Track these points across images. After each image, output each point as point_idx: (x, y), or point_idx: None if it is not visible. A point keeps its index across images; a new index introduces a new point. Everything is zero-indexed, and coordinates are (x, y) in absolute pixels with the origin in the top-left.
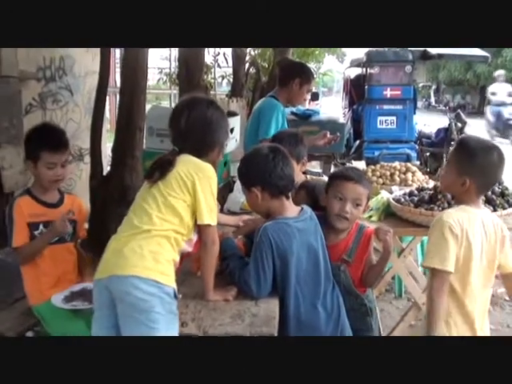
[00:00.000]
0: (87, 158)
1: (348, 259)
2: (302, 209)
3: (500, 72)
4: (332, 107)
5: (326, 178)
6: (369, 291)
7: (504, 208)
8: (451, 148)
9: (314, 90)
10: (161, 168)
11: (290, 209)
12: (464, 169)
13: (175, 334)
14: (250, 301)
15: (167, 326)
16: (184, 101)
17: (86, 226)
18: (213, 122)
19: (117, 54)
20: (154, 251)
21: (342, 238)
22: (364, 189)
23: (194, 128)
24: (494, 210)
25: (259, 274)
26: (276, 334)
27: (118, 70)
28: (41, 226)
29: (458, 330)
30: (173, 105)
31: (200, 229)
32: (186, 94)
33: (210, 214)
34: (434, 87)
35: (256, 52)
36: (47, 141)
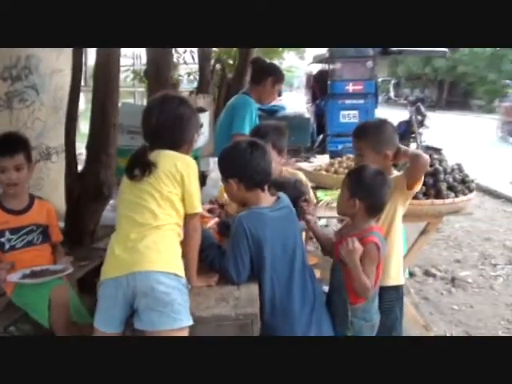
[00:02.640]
0: (54, 157)
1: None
2: (279, 198)
3: None
4: (294, 102)
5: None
6: (370, 307)
7: (465, 194)
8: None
9: None
10: (142, 167)
11: (265, 199)
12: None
13: (191, 322)
14: (232, 286)
15: (187, 315)
16: (156, 98)
17: (62, 224)
18: (184, 119)
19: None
20: (167, 245)
21: (351, 234)
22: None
23: (166, 125)
24: (456, 196)
25: (237, 260)
26: (259, 314)
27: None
28: (7, 233)
29: None
30: (137, 103)
31: (187, 218)
32: (155, 91)
33: (199, 203)
34: (393, 81)
35: (221, 49)
36: None
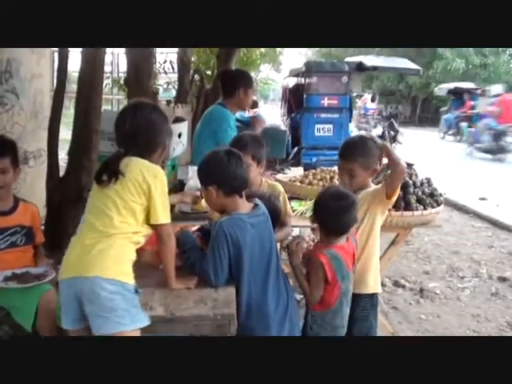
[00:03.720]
0: (32, 162)
1: None
2: (256, 205)
3: None
4: (269, 115)
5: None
6: (331, 318)
7: (433, 207)
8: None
9: (254, 98)
10: (110, 173)
11: (243, 206)
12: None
13: (141, 325)
14: (210, 288)
15: (132, 319)
16: (129, 105)
17: (42, 227)
18: (156, 125)
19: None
20: (117, 253)
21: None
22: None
23: (139, 130)
24: (424, 209)
25: (216, 264)
26: (235, 315)
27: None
28: None
29: None
30: (115, 110)
31: (156, 227)
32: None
33: (165, 214)
34: (368, 95)
35: (200, 60)
36: None
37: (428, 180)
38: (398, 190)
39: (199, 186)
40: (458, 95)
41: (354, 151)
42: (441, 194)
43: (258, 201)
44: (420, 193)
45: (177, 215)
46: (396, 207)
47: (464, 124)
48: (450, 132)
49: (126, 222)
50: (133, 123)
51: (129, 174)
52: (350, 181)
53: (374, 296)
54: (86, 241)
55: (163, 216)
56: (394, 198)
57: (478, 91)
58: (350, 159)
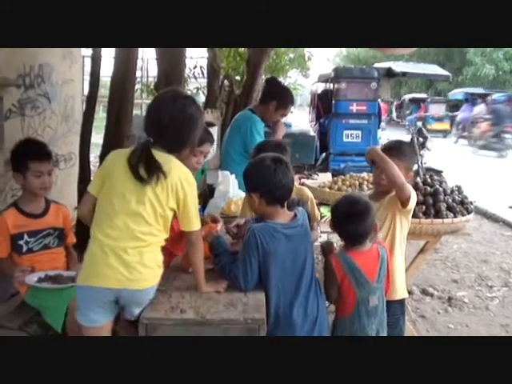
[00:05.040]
0: (62, 165)
1: None
2: (296, 215)
3: None
4: (298, 120)
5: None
6: (348, 322)
7: (463, 215)
8: None
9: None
10: (151, 170)
11: (283, 215)
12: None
13: None
14: (240, 292)
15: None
16: (167, 93)
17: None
18: (192, 119)
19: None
20: (157, 260)
21: None
22: None
23: (175, 121)
24: (455, 217)
25: (246, 268)
26: (265, 319)
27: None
28: (25, 236)
29: None
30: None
31: (186, 233)
32: None
33: (198, 220)
34: (395, 103)
35: (229, 65)
36: (34, 152)
37: (458, 188)
38: (411, 198)
39: (229, 190)
40: (417, 103)
41: (401, 148)
42: (471, 202)
43: (299, 210)
44: (450, 200)
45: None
46: (426, 214)
47: (419, 123)
48: (411, 129)
49: (162, 230)
50: (170, 113)
51: (170, 178)
52: (380, 177)
53: (403, 302)
54: (129, 250)
55: (196, 223)
56: (410, 207)
57: (429, 99)
58: (397, 155)
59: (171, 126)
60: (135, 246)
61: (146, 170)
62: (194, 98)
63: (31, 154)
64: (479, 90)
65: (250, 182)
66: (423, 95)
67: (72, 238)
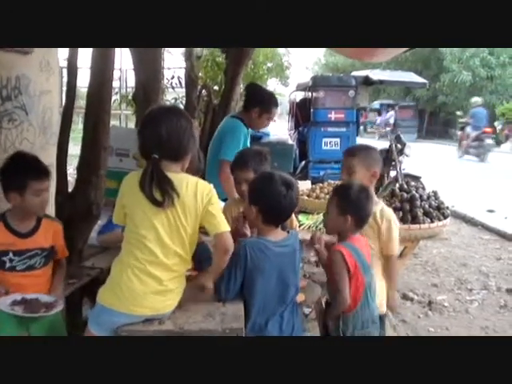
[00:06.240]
0: None
1: None
2: (288, 233)
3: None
4: (277, 128)
5: None
6: (360, 314)
7: (440, 220)
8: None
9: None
10: (163, 192)
11: (275, 234)
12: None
13: None
14: (218, 303)
15: None
16: (160, 110)
17: None
18: (187, 131)
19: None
20: (183, 287)
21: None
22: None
23: (173, 135)
24: (431, 222)
25: (230, 278)
26: (244, 329)
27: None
28: (10, 254)
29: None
30: (123, 125)
31: (217, 237)
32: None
33: (224, 222)
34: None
35: (207, 75)
36: (34, 169)
37: (435, 193)
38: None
39: None
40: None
41: (357, 149)
42: (448, 207)
43: (293, 232)
44: (427, 206)
45: None
46: (403, 220)
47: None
48: (389, 136)
49: (189, 256)
50: (167, 126)
51: (183, 196)
52: (347, 179)
53: (381, 317)
54: (165, 282)
55: (224, 223)
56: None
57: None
58: (353, 155)
59: (171, 137)
60: (170, 277)
61: (159, 190)
62: (183, 111)
63: (32, 173)
64: (389, 101)
65: (255, 196)
66: (389, 101)
67: (64, 253)
